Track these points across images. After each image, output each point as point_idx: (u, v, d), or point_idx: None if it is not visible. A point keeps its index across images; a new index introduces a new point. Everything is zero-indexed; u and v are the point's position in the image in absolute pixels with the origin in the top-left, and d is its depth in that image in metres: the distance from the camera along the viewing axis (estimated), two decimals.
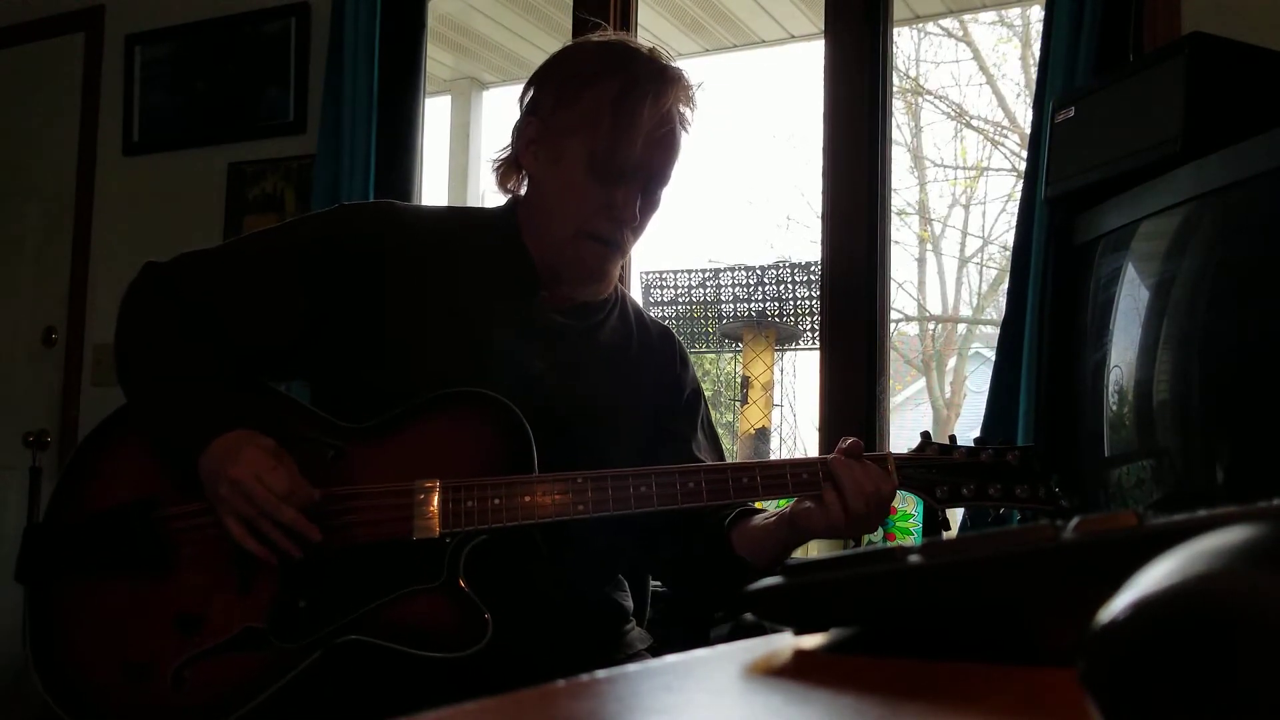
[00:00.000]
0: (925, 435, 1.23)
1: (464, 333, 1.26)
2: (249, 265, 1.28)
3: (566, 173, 1.26)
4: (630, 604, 1.38)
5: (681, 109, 1.29)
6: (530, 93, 1.33)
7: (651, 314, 1.48)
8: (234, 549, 1.15)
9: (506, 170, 1.34)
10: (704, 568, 1.31)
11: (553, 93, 1.29)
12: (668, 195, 1.33)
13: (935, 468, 1.20)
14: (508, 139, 1.35)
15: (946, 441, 1.22)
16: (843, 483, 1.16)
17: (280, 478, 1.12)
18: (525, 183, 1.34)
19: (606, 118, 1.24)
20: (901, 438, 5.90)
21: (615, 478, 1.16)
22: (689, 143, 1.31)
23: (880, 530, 2.16)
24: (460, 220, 1.38)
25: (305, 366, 1.33)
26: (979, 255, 7.48)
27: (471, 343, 1.25)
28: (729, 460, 1.40)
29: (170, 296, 1.26)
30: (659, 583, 1.51)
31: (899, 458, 1.20)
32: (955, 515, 2.23)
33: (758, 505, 1.36)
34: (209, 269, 1.29)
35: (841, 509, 1.16)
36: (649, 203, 1.30)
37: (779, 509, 1.29)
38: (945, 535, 1.97)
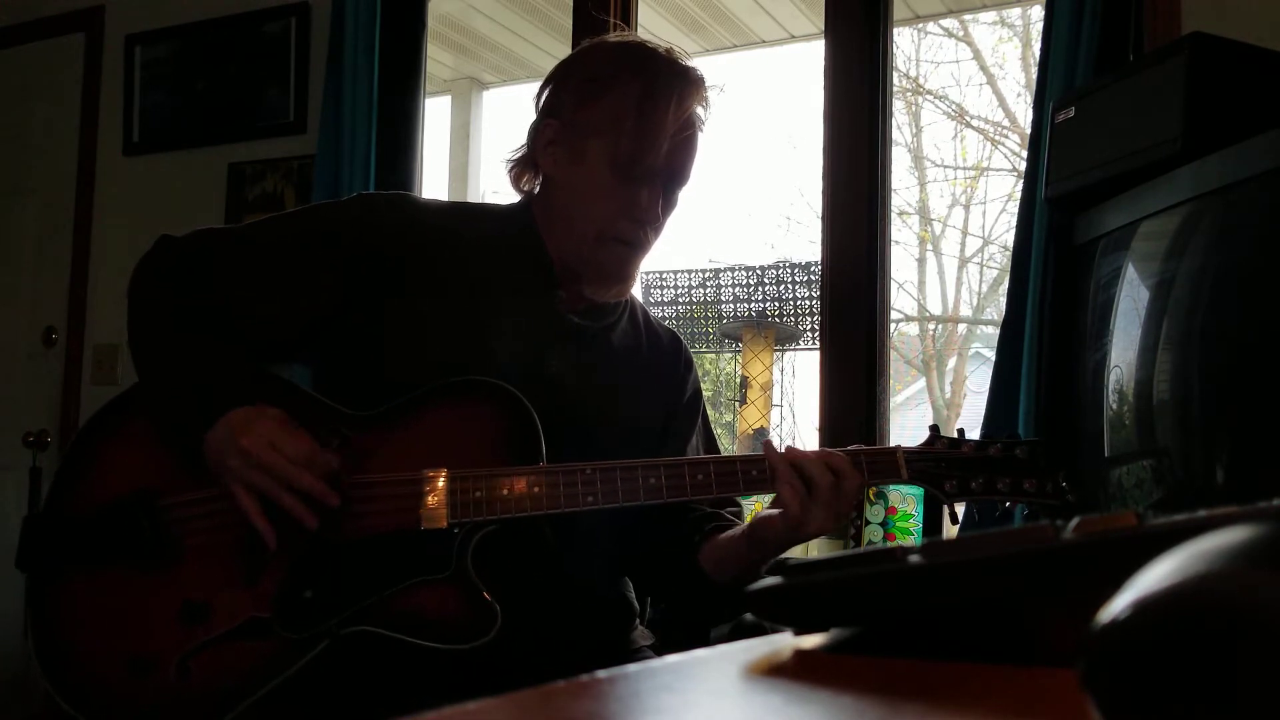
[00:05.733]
0: (934, 429, 1.23)
1: (475, 327, 1.25)
2: (264, 249, 1.28)
3: (588, 173, 1.26)
4: (637, 602, 1.38)
5: (699, 111, 1.29)
6: (547, 93, 1.33)
7: (652, 314, 1.48)
8: (240, 537, 1.14)
9: (520, 170, 1.34)
10: (673, 583, 1.32)
11: (572, 93, 1.29)
12: (683, 196, 1.33)
13: (944, 461, 1.19)
14: (521, 139, 1.34)
15: (955, 435, 1.22)
16: (781, 472, 1.15)
17: (296, 445, 1.12)
18: (539, 182, 1.34)
19: (631, 118, 1.23)
20: (902, 438, 5.91)
21: (624, 469, 1.15)
22: (704, 143, 1.32)
23: (880, 530, 2.16)
24: (476, 216, 1.38)
25: (311, 352, 1.32)
26: (979, 255, 7.49)
27: (483, 338, 1.25)
28: None
29: (182, 272, 1.25)
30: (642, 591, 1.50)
31: (908, 451, 1.20)
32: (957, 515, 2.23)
33: (757, 506, 1.36)
34: (224, 248, 1.28)
35: (796, 502, 1.14)
36: (668, 203, 1.30)
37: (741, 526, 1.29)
38: (945, 535, 1.97)
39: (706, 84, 1.30)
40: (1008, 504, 1.21)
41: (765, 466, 1.18)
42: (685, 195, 1.33)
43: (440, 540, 1.13)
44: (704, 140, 1.31)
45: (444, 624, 1.11)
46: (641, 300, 1.51)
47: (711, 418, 1.48)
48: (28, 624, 1.19)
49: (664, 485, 1.15)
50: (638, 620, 1.39)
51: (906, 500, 2.14)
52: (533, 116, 1.33)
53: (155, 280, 1.26)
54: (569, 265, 1.29)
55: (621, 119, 1.24)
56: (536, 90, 1.35)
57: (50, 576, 1.21)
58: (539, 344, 1.27)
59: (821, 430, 2.45)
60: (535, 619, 1.19)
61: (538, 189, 1.34)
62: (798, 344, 4.82)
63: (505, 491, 1.14)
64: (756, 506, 1.55)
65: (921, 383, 7.66)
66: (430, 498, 1.14)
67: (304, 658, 1.11)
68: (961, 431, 1.22)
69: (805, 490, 1.15)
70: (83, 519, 1.20)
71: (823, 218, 2.50)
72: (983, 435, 1.25)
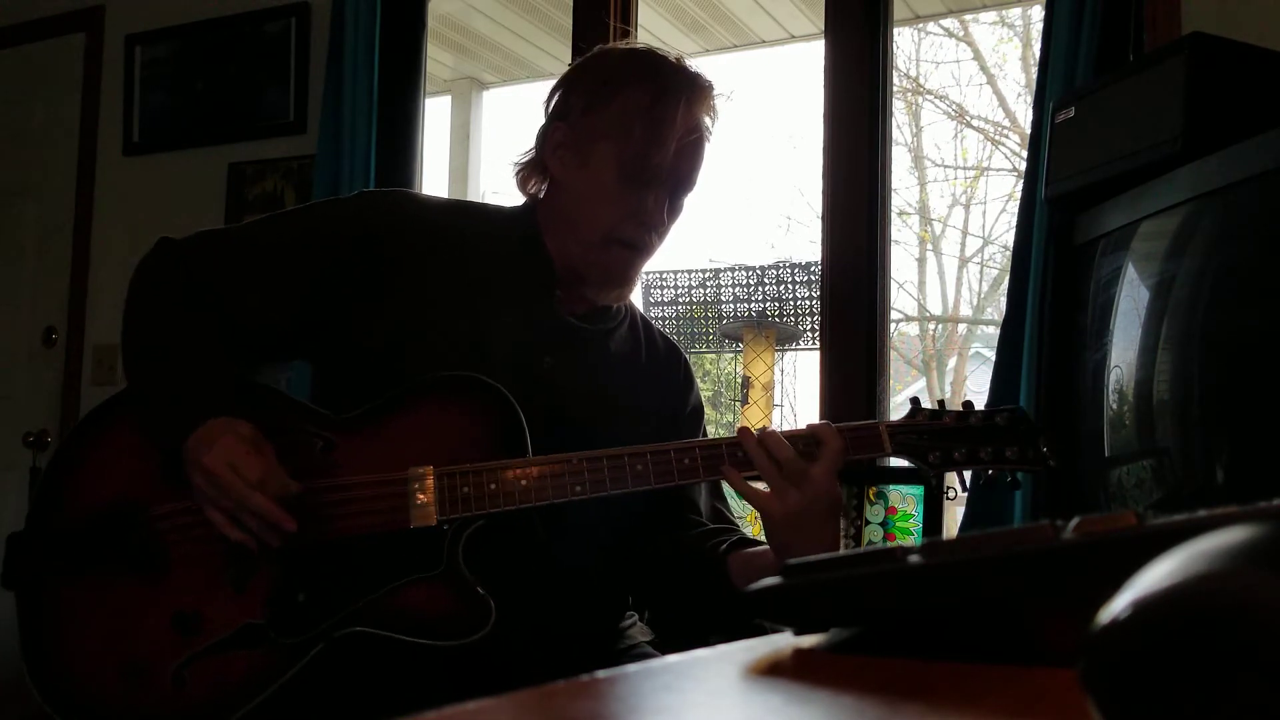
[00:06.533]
0: (915, 401, 1.23)
1: (473, 326, 1.25)
2: (265, 249, 1.28)
3: (595, 177, 1.26)
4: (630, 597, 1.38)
5: (706, 119, 1.30)
6: (556, 97, 1.33)
7: (651, 314, 1.48)
8: (228, 545, 1.14)
9: (528, 173, 1.34)
10: (694, 589, 1.31)
11: (582, 97, 1.30)
12: (688, 202, 1.33)
13: (926, 433, 1.20)
14: (522, 140, 1.35)
15: (935, 407, 1.22)
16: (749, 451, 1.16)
17: (253, 465, 1.11)
18: (546, 185, 1.34)
19: (639, 123, 1.24)
20: None
21: (611, 457, 1.15)
22: (710, 151, 1.32)
23: (880, 530, 2.16)
24: (478, 216, 1.38)
25: (311, 352, 1.33)
26: (979, 255, 7.50)
27: (480, 337, 1.25)
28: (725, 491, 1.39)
29: (181, 273, 1.25)
30: (644, 595, 1.49)
31: (891, 425, 1.20)
32: (955, 516, 2.24)
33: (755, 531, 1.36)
34: (224, 249, 1.28)
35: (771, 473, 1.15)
36: (673, 208, 1.30)
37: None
38: (945, 535, 1.97)
39: (715, 93, 1.30)
40: (990, 471, 1.21)
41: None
42: (690, 201, 1.33)
43: (430, 538, 1.13)
44: (710, 148, 1.31)
45: (438, 621, 1.11)
46: (641, 300, 1.51)
47: (713, 418, 1.49)
48: (20, 639, 1.18)
49: (650, 471, 1.15)
50: (634, 615, 1.39)
51: (906, 500, 2.14)
52: (540, 120, 1.34)
53: (154, 284, 1.26)
54: (572, 267, 1.30)
55: (630, 123, 1.24)
56: (546, 94, 1.36)
57: (39, 591, 1.20)
58: (535, 344, 1.27)
59: None
60: (528, 611, 1.19)
61: (544, 192, 1.34)
62: (798, 344, 4.82)
63: (493, 486, 1.14)
64: (749, 518, 1.55)
65: (921, 383, 7.67)
66: (418, 496, 1.14)
67: (300, 662, 1.11)
68: (942, 403, 1.22)
69: (777, 468, 1.15)
70: (70, 531, 1.20)
71: (823, 218, 2.50)
72: (964, 405, 1.24)
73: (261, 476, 1.11)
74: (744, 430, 1.19)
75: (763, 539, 1.32)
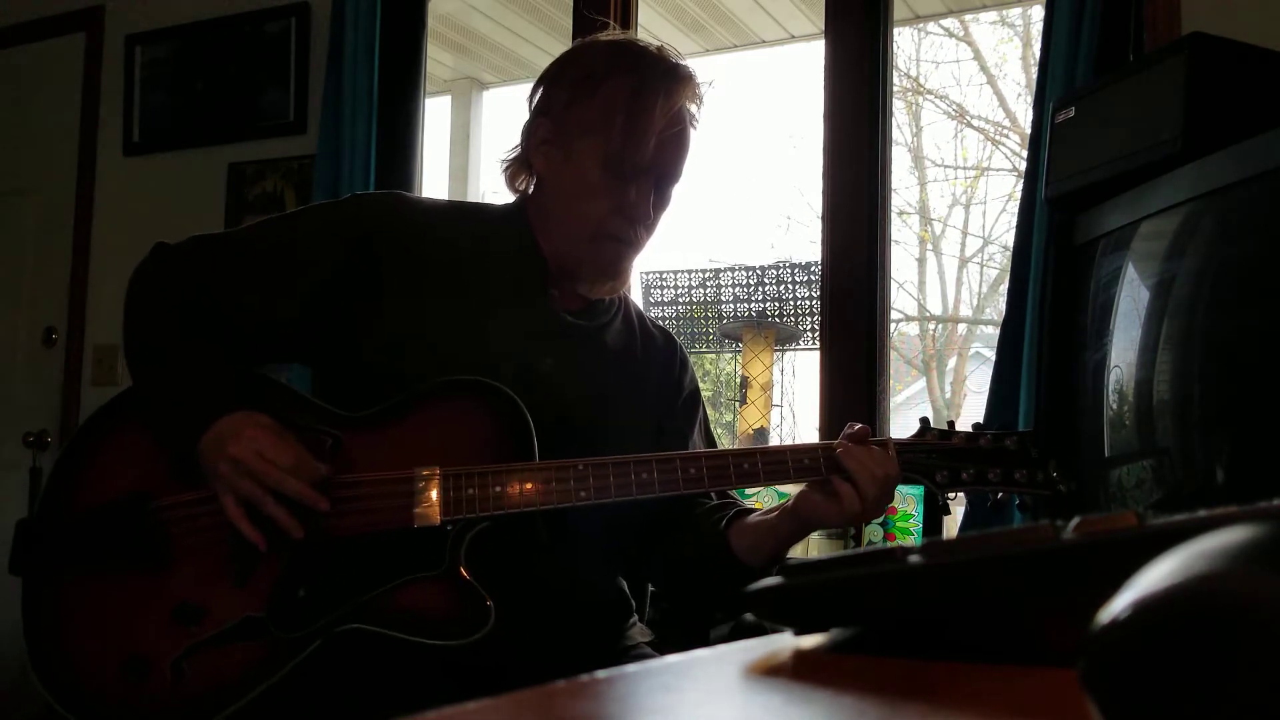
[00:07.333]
0: (924, 421, 1.24)
1: (471, 326, 1.26)
2: (260, 253, 1.28)
3: (579, 171, 1.26)
4: (633, 599, 1.38)
5: (691, 107, 1.30)
6: (539, 93, 1.33)
7: (652, 314, 1.48)
8: (232, 538, 1.15)
9: (516, 170, 1.34)
10: (700, 570, 1.31)
11: (564, 92, 1.29)
12: (676, 193, 1.33)
13: (935, 453, 1.20)
14: (515, 139, 1.35)
15: (945, 427, 1.23)
16: (852, 468, 1.17)
17: (284, 451, 1.12)
18: (534, 182, 1.34)
19: (620, 116, 1.24)
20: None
21: (616, 464, 1.16)
22: (696, 140, 1.32)
23: (880, 530, 2.16)
24: (470, 215, 1.38)
25: (309, 353, 1.33)
26: (979, 255, 7.50)
27: (478, 337, 1.25)
28: None
29: (177, 278, 1.26)
30: (655, 587, 1.50)
31: (899, 443, 1.21)
32: (955, 517, 2.24)
33: (757, 505, 1.36)
34: (218, 253, 1.29)
35: (854, 496, 1.16)
36: (660, 200, 1.30)
37: (779, 503, 1.29)
38: (945, 535, 1.97)
39: (697, 81, 1.30)
40: (1000, 494, 1.22)
41: (756, 460, 1.18)
42: (679, 192, 1.33)
43: (433, 537, 1.13)
44: (696, 137, 1.31)
45: (436, 621, 1.11)
46: (641, 300, 1.51)
47: (711, 418, 1.48)
48: (24, 628, 1.19)
49: (656, 480, 1.16)
50: (635, 617, 1.39)
51: (906, 500, 2.14)
52: (526, 116, 1.34)
53: (151, 289, 1.27)
54: (564, 264, 1.30)
55: (611, 117, 1.24)
56: (529, 90, 1.35)
57: (44, 580, 1.21)
58: (532, 343, 1.27)
59: (821, 430, 2.45)
60: (529, 615, 1.19)
61: (532, 189, 1.34)
62: (798, 344, 4.82)
63: (498, 488, 1.14)
64: (757, 506, 1.55)
65: (921, 383, 7.67)
66: (423, 495, 1.14)
67: (298, 657, 1.11)
68: (952, 423, 1.23)
69: (880, 485, 1.17)
70: (75, 522, 1.20)
71: (823, 218, 2.51)
72: (974, 427, 1.25)
73: (294, 462, 1.12)
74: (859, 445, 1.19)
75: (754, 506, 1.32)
